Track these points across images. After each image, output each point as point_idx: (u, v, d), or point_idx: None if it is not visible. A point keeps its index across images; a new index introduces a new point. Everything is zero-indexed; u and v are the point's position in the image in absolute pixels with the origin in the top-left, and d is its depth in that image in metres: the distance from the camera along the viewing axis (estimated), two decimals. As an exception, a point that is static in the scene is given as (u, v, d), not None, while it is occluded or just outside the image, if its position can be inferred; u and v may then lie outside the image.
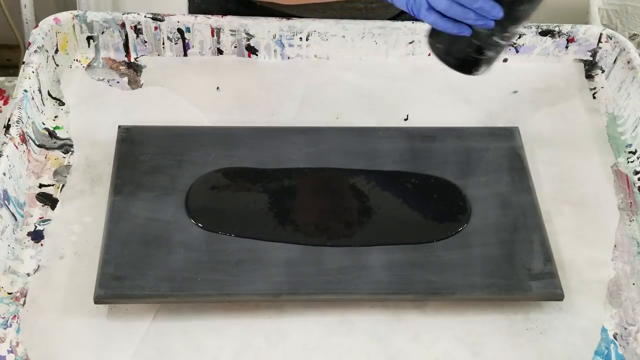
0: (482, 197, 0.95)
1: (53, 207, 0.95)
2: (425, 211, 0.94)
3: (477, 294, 0.87)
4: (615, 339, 0.86)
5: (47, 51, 1.06)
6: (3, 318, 0.85)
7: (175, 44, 1.11)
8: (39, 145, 1.00)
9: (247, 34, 1.09)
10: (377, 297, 0.87)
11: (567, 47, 1.12)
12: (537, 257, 0.89)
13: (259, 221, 0.91)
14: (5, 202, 0.90)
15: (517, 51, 1.12)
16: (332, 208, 0.93)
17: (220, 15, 1.09)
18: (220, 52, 1.11)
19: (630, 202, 0.98)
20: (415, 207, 0.94)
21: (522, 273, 0.88)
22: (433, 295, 0.87)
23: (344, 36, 1.10)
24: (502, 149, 0.99)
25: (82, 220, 0.93)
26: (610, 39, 1.11)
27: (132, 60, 1.10)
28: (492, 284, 0.87)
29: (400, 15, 1.20)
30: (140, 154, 0.96)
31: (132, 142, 0.97)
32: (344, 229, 0.91)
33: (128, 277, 0.86)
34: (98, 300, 0.85)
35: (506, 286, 0.87)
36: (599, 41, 1.11)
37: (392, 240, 0.90)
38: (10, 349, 0.83)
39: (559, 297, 0.87)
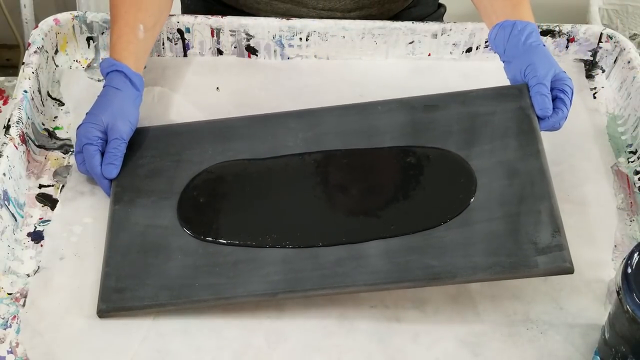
0: (487, 167, 0.90)
1: (53, 208, 0.95)
2: (427, 192, 0.89)
3: (479, 275, 0.83)
4: (616, 339, 0.86)
5: (46, 52, 1.06)
6: (3, 319, 0.85)
7: (175, 44, 1.11)
8: (38, 146, 1.00)
9: (247, 34, 1.09)
10: (375, 287, 0.84)
11: (567, 47, 1.12)
12: (544, 228, 0.84)
13: (253, 225, 0.89)
14: (5, 202, 0.90)
15: (517, 51, 1.12)
16: (327, 202, 0.91)
17: (220, 16, 1.09)
18: (220, 52, 1.11)
19: (631, 202, 0.98)
20: (417, 189, 0.90)
21: (527, 248, 0.83)
22: (433, 281, 0.83)
23: (343, 36, 1.10)
24: (510, 110, 0.93)
25: (82, 221, 0.93)
26: (611, 38, 1.10)
27: (132, 60, 1.10)
28: (495, 263, 0.83)
29: (400, 14, 1.20)
30: (139, 157, 0.96)
31: (130, 144, 0.96)
32: (342, 226, 0.88)
33: (128, 289, 0.86)
34: (101, 314, 0.85)
35: (510, 265, 0.83)
36: (599, 41, 1.11)
37: (395, 232, 0.87)
38: (10, 349, 0.83)
39: (568, 270, 0.82)
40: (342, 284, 0.84)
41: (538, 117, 0.93)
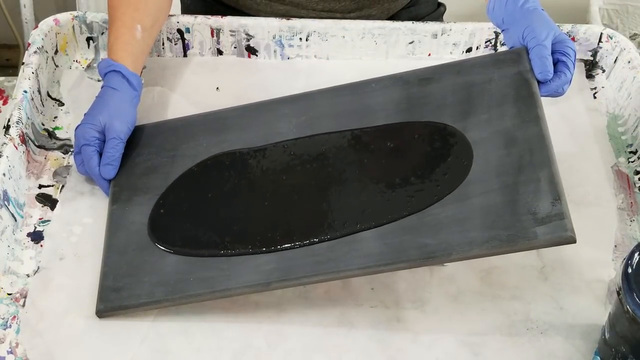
0: (484, 138, 0.86)
1: (53, 208, 0.95)
2: (422, 171, 0.86)
3: (476, 251, 0.79)
4: (616, 339, 0.86)
5: (46, 52, 1.06)
6: (3, 319, 0.85)
7: (175, 44, 1.10)
8: (38, 146, 1.00)
9: (247, 34, 1.09)
10: (369, 270, 0.82)
11: (567, 46, 1.12)
12: (544, 197, 0.80)
13: (237, 232, 0.87)
14: (5, 202, 0.90)
15: (517, 51, 1.12)
16: (316, 193, 0.88)
17: (220, 16, 1.09)
18: (220, 52, 1.11)
19: (631, 202, 0.98)
20: (411, 169, 0.86)
21: (526, 219, 0.79)
22: (428, 260, 0.80)
23: (343, 36, 1.10)
24: (508, 76, 0.89)
25: (82, 221, 0.93)
26: (611, 38, 1.10)
27: (132, 60, 1.10)
28: (493, 237, 0.79)
29: (400, 13, 1.20)
30: (136, 155, 0.96)
31: (127, 143, 0.96)
32: (334, 220, 0.86)
33: (125, 288, 0.86)
34: (99, 314, 0.85)
35: (508, 238, 0.79)
36: (600, 41, 1.11)
37: (390, 218, 0.84)
38: (10, 349, 0.83)
39: (569, 240, 0.78)
40: (336, 269, 0.82)
41: (538, 82, 0.89)
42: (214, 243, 0.87)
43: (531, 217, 0.80)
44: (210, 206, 0.90)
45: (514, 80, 0.89)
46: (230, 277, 0.84)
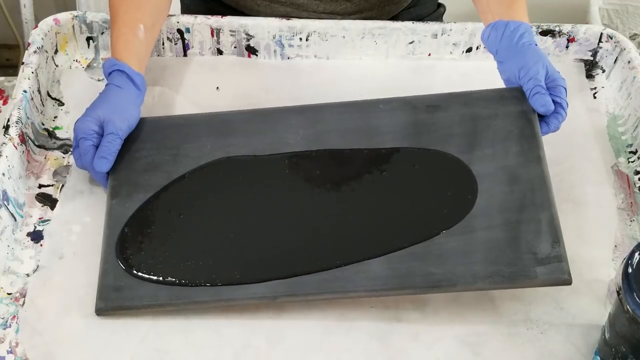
0: (488, 172, 0.89)
1: (52, 208, 0.95)
2: (429, 199, 0.88)
3: (479, 284, 0.83)
4: (616, 339, 0.86)
5: (46, 52, 1.06)
6: (2, 318, 0.85)
7: (175, 44, 1.10)
8: (38, 146, 1.00)
9: (247, 34, 1.09)
10: (375, 293, 0.84)
11: (567, 46, 1.12)
12: (544, 238, 0.84)
13: (232, 259, 0.86)
14: (5, 202, 0.90)
15: (517, 51, 1.12)
16: (319, 220, 0.88)
17: (219, 16, 1.09)
18: (220, 52, 1.11)
19: (631, 202, 0.98)
20: (419, 196, 0.88)
21: (527, 258, 0.83)
22: (433, 289, 0.83)
23: (343, 36, 1.10)
24: (512, 114, 0.92)
25: (82, 221, 0.93)
26: (611, 38, 1.10)
27: (132, 60, 1.10)
28: (495, 272, 0.83)
29: (400, 14, 1.20)
30: (136, 150, 0.95)
31: (127, 138, 0.95)
32: (338, 248, 0.86)
33: (127, 287, 0.85)
34: (99, 312, 0.85)
35: (510, 274, 0.83)
36: (600, 41, 1.11)
37: (397, 246, 0.85)
38: (9, 349, 0.83)
39: (566, 282, 0.83)
40: (343, 289, 0.84)
41: (539, 116, 0.92)
42: (201, 276, 0.86)
43: (532, 256, 0.83)
44: (197, 229, 0.89)
45: (518, 118, 0.92)
46: (237, 286, 0.85)
